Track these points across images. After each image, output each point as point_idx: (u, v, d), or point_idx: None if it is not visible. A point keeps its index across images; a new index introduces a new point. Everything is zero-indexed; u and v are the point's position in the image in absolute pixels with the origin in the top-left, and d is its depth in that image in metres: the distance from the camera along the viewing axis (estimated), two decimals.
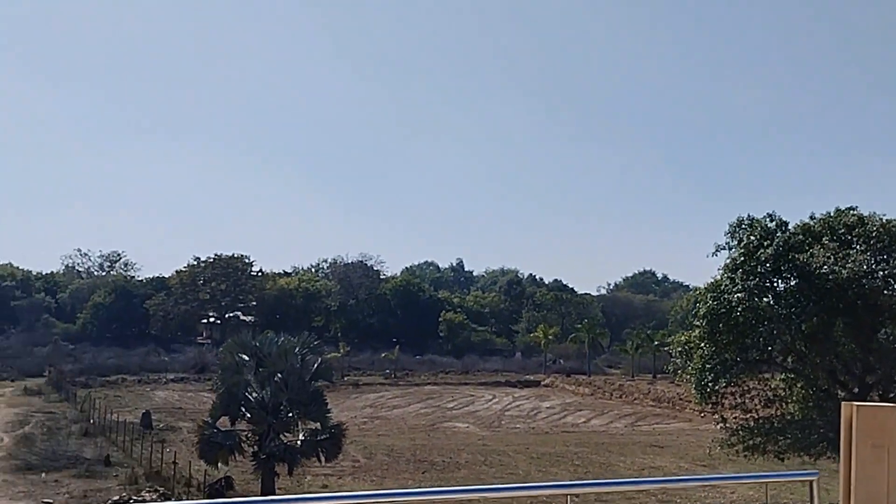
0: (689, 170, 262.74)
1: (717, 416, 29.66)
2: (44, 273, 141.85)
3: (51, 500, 27.19)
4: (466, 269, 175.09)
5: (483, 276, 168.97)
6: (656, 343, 78.20)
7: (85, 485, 29.69)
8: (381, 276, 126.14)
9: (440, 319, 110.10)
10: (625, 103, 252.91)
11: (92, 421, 44.60)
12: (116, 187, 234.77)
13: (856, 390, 28.73)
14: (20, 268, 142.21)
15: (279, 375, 26.91)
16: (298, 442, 27.48)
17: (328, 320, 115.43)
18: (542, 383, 79.26)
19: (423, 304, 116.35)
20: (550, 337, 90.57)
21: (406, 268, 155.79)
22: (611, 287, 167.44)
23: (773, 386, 30.24)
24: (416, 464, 36.83)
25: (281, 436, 27.27)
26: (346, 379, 76.01)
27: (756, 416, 29.51)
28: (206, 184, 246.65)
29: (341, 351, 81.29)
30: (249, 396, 27.10)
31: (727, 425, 29.61)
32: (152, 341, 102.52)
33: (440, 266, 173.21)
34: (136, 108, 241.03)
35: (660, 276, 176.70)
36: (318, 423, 27.76)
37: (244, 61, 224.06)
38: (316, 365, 28.10)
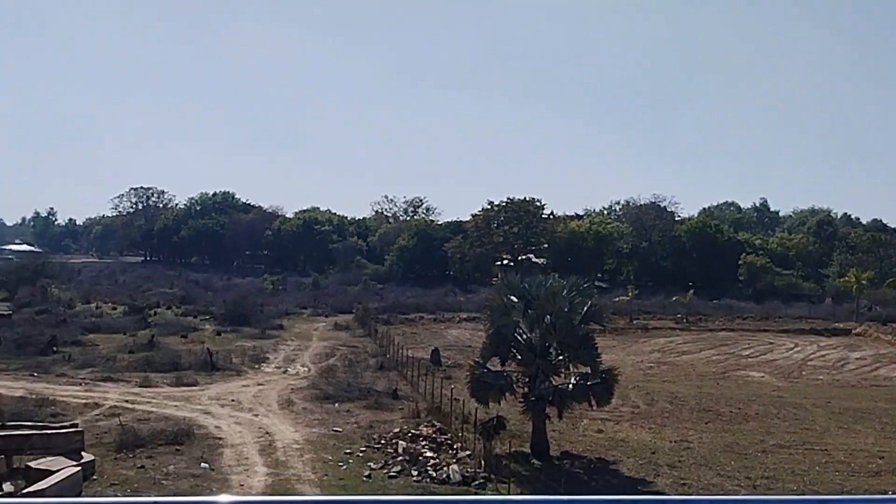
0: None
1: None
2: (357, 218, 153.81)
3: (340, 429, 29.21)
4: (771, 209, 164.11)
5: (790, 216, 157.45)
6: None
7: (372, 416, 31.59)
8: (676, 218, 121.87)
9: (739, 262, 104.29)
10: None
11: (388, 356, 47.45)
12: (418, 137, 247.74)
13: None
14: (337, 214, 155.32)
15: (548, 318, 26.57)
16: (569, 385, 27.08)
17: (620, 263, 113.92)
18: (853, 332, 72.36)
19: (720, 246, 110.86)
20: (864, 282, 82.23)
21: (703, 209, 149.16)
22: None
23: None
24: (700, 413, 35.07)
25: (551, 379, 27.02)
26: (634, 322, 74.61)
27: None
28: (499, 129, 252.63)
29: (630, 294, 79.72)
30: (519, 338, 27.09)
31: None
32: (450, 282, 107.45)
33: (741, 206, 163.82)
34: (431, 63, 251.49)
35: None
36: (589, 368, 27.13)
37: (529, 8, 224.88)
38: (585, 308, 27.40)
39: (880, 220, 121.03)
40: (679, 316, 78.76)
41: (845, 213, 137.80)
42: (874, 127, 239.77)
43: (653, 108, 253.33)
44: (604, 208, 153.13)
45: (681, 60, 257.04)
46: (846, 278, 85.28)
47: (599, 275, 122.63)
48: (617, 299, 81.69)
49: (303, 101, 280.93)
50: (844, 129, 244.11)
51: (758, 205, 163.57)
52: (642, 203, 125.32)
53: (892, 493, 22.73)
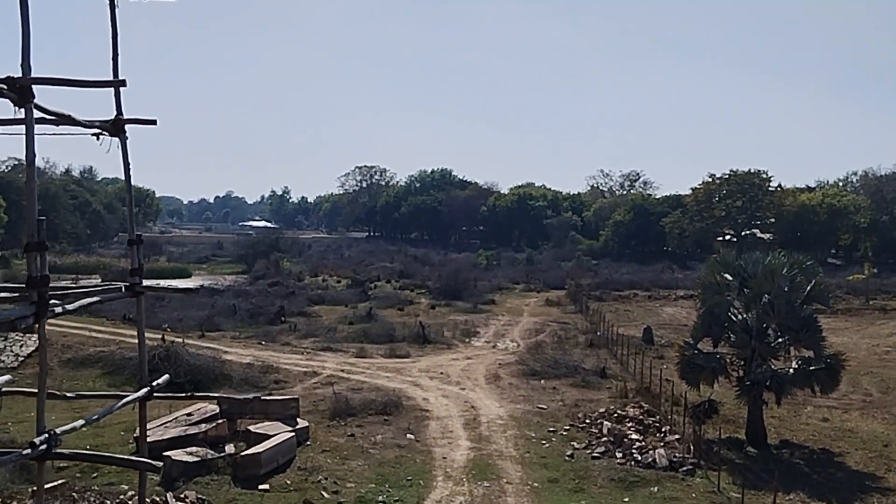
0: None
1: None
2: (571, 193, 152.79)
3: (545, 406, 28.99)
4: None
5: None
6: None
7: (578, 394, 31.12)
8: None
9: None
10: None
11: (598, 333, 46.66)
12: (635, 110, 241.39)
13: None
14: (551, 189, 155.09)
15: (766, 297, 24.86)
16: (789, 370, 25.26)
17: (856, 238, 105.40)
18: None
19: None
20: None
21: None
22: None
23: None
24: None
25: (769, 362, 25.33)
26: (871, 303, 68.81)
27: None
28: (722, 100, 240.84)
29: (867, 272, 73.53)
30: (733, 318, 25.58)
31: None
32: (667, 258, 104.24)
33: None
34: (650, 34, 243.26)
35: None
36: (812, 352, 25.15)
37: None
38: (809, 287, 25.35)
39: None
40: None
41: None
42: None
43: (893, 73, 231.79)
44: (838, 180, 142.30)
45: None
46: None
47: (833, 251, 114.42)
48: (851, 278, 75.77)
49: (520, 76, 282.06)
50: None
51: None
52: (883, 174, 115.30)
53: None
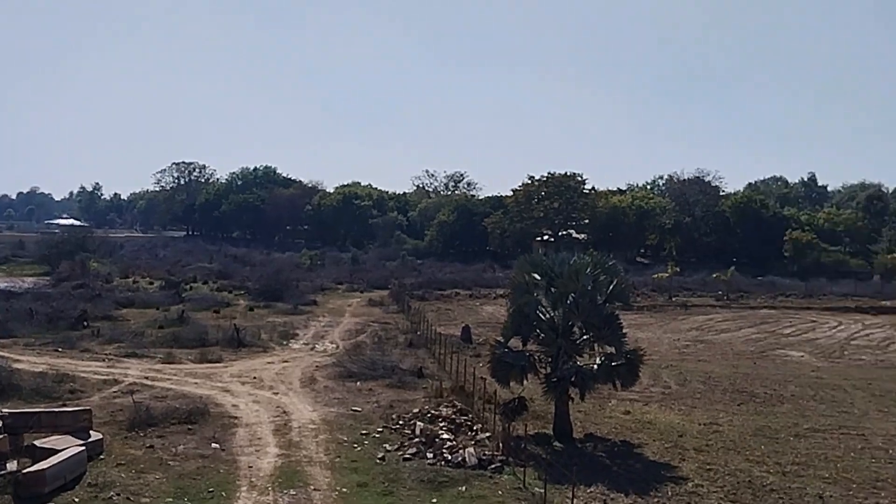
0: None
1: None
2: (397, 193, 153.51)
3: (359, 408, 28.66)
4: (820, 183, 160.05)
5: (839, 191, 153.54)
6: None
7: (394, 395, 31.01)
8: (721, 193, 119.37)
9: (785, 239, 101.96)
10: None
11: (418, 333, 46.89)
12: (460, 112, 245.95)
13: None
14: (377, 188, 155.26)
15: (571, 296, 25.64)
16: (593, 366, 26.21)
17: (662, 239, 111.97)
18: None
19: (766, 221, 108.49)
20: None
21: (749, 183, 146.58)
22: None
23: None
24: (734, 394, 33.95)
25: (574, 359, 26.16)
26: (674, 299, 73.20)
27: None
28: (541, 104, 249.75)
29: (670, 271, 78.14)
30: (541, 316, 26.21)
31: None
32: (489, 258, 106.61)
33: (789, 181, 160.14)
34: (472, 38, 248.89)
35: None
36: (613, 348, 26.20)
37: None
38: (611, 286, 26.39)
39: None
40: (720, 293, 77.17)
41: None
42: None
43: (698, 83, 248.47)
44: (647, 183, 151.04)
45: (726, 36, 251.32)
46: (895, 254, 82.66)
47: (641, 250, 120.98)
48: (656, 276, 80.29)
49: (346, 75, 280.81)
50: (883, 98, 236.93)
51: (806, 179, 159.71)
52: (686, 178, 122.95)
53: None
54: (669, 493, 20.83)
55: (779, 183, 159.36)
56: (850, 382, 37.38)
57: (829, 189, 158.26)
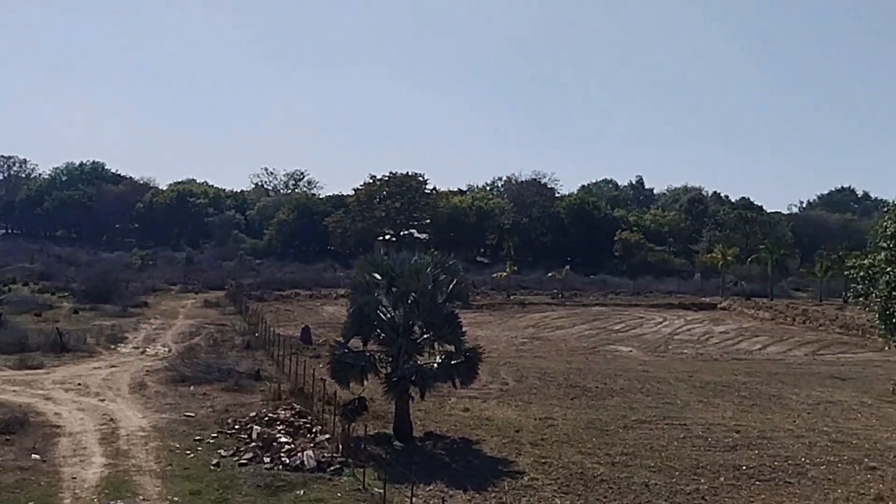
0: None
1: None
2: (234, 191, 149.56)
3: (193, 414, 27.67)
4: (647, 186, 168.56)
5: (664, 193, 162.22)
6: (849, 265, 71.73)
7: (230, 399, 30.12)
8: (556, 194, 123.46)
9: (615, 239, 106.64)
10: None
11: (256, 334, 45.84)
12: (299, 109, 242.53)
13: None
14: (213, 186, 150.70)
15: (412, 296, 25.75)
16: (433, 365, 26.43)
17: (501, 239, 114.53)
18: (719, 306, 75.06)
19: (598, 222, 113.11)
20: (730, 258, 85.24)
21: (582, 186, 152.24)
22: (804, 205, 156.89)
23: None
24: (568, 389, 35.14)
25: (414, 358, 26.29)
26: (512, 298, 75.07)
27: None
28: (382, 103, 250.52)
29: (508, 270, 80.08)
30: (381, 316, 26.17)
31: None
32: (330, 257, 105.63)
33: (619, 184, 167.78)
34: (313, 35, 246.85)
35: (860, 193, 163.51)
36: (453, 346, 26.51)
37: None
38: (451, 286, 26.68)
39: (747, 199, 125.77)
40: (555, 291, 79.77)
41: (715, 192, 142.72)
42: (744, 109, 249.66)
43: (535, 86, 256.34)
44: (486, 184, 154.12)
45: (562, 39, 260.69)
46: (713, 254, 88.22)
47: (482, 250, 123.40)
48: (495, 275, 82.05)
49: (177, 69, 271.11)
50: (717, 110, 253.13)
51: (634, 182, 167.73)
52: (523, 180, 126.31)
53: None
54: (506, 488, 21.27)
55: (610, 185, 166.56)
56: (674, 375, 39.48)
57: (655, 192, 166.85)
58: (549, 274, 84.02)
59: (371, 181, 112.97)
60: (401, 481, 20.41)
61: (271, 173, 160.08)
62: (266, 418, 26.47)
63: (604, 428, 28.14)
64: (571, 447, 25.50)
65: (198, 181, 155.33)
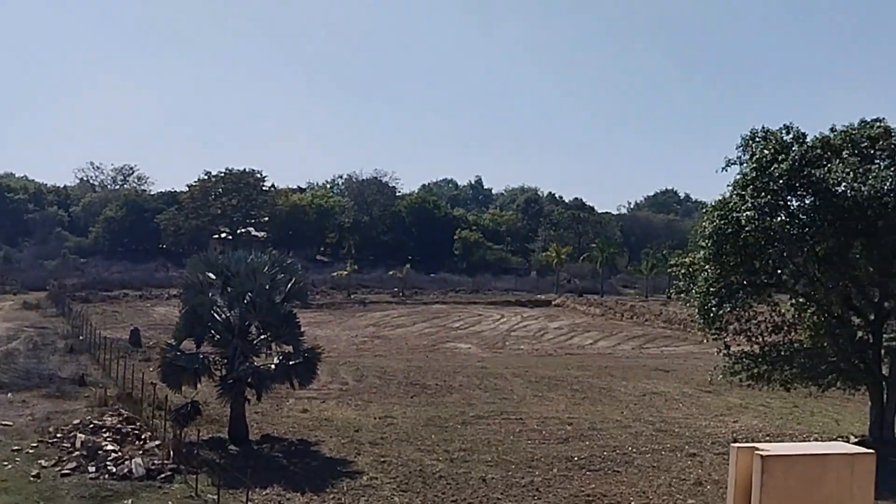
0: (717, 81, 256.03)
1: (720, 343, 27.82)
2: (57, 186, 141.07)
3: (10, 423, 25.87)
4: (486, 186, 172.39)
5: (502, 193, 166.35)
6: (671, 263, 76.05)
7: (52, 406, 28.39)
8: (397, 193, 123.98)
9: (455, 238, 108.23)
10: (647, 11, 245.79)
11: (81, 337, 43.49)
12: (128, 102, 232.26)
13: (872, 317, 26.69)
14: (34, 180, 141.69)
15: (248, 295, 25.11)
16: (271, 366, 25.88)
17: (341, 237, 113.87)
18: (554, 303, 77.64)
19: (438, 221, 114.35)
20: (564, 256, 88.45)
21: (423, 185, 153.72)
22: (631, 206, 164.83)
23: (781, 312, 28.22)
24: (407, 387, 35.34)
25: (251, 359, 25.64)
26: (352, 297, 74.82)
27: (762, 343, 27.66)
28: (218, 98, 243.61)
29: (349, 268, 79.77)
30: (216, 317, 25.37)
31: (731, 352, 27.82)
32: (163, 256, 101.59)
33: (458, 184, 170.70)
34: (145, 23, 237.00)
35: (682, 195, 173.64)
36: (291, 347, 26.06)
37: None
38: (289, 285, 26.21)
39: (580, 199, 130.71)
40: (396, 290, 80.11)
41: (550, 192, 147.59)
42: (578, 111, 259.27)
43: (375, 84, 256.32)
44: (327, 182, 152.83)
45: (400, 36, 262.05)
46: (548, 253, 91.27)
47: (322, 249, 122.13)
48: (336, 274, 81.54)
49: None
50: (551, 113, 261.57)
51: (473, 182, 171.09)
52: (364, 178, 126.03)
53: None
54: (345, 488, 21.08)
55: (450, 185, 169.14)
56: (511, 371, 40.48)
57: (493, 192, 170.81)
58: (390, 272, 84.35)
59: (206, 178, 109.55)
60: (236, 486, 19.87)
61: (98, 168, 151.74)
62: (91, 426, 25.06)
63: (443, 425, 28.43)
64: (410, 445, 25.60)
65: (17, 175, 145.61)
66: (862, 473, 11.09)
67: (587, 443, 26.39)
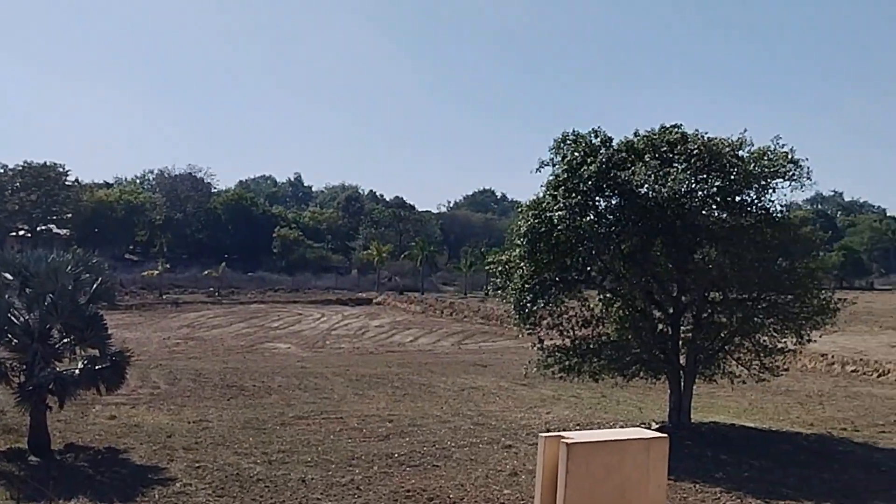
0: (535, 82, 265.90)
1: (535, 338, 28.83)
2: None
3: None
4: (305, 184, 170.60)
5: (322, 191, 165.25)
6: (489, 261, 78.22)
7: None
8: (213, 190, 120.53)
9: (274, 236, 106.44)
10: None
11: None
12: None
13: (671, 310, 28.47)
14: None
15: (49, 297, 23.51)
16: (75, 371, 24.36)
17: (153, 235, 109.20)
18: (375, 301, 78.00)
19: (256, 219, 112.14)
20: (385, 254, 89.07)
21: (241, 181, 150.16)
22: (451, 205, 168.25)
23: (590, 307, 29.61)
24: (224, 389, 34.33)
25: (52, 364, 24.03)
26: (164, 297, 71.95)
27: (573, 337, 28.88)
28: (14, 86, 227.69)
29: (160, 268, 76.67)
30: (14, 320, 23.60)
31: (544, 346, 28.88)
32: None
33: (277, 181, 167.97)
34: None
35: (499, 194, 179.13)
36: (97, 350, 24.64)
37: None
38: (94, 285, 24.77)
39: (401, 198, 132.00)
40: (211, 290, 77.82)
41: (371, 190, 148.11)
42: (397, 110, 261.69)
43: (189, 75, 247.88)
44: (136, 177, 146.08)
45: (213, 31, 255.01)
46: (369, 251, 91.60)
47: (131, 247, 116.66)
48: (146, 273, 78.20)
49: None
50: (370, 111, 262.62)
51: (292, 179, 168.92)
52: (178, 173, 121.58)
53: None
54: (157, 497, 20.19)
55: (268, 182, 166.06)
56: (331, 370, 40.24)
57: (314, 189, 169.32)
58: (206, 272, 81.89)
59: (2, 171, 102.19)
60: (37, 499, 18.60)
61: None
62: None
63: (261, 427, 27.83)
64: (227, 448, 24.87)
65: None
66: (657, 456, 12.03)
67: (407, 439, 26.62)
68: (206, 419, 28.66)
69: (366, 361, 44.14)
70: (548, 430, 23.70)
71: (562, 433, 11.99)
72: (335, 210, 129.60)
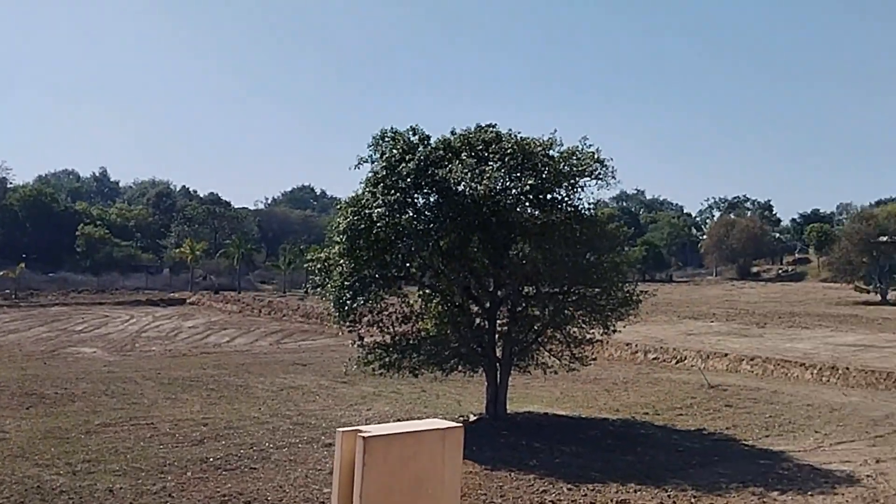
0: (355, 79, 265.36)
1: (355, 335, 28.76)
2: None
3: None
4: (112, 179, 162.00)
5: (131, 187, 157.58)
6: (308, 258, 77.43)
7: None
8: (9, 185, 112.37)
9: (77, 234, 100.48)
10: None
11: None
12: None
13: (487, 305, 29.16)
14: None
15: None
16: None
17: None
18: (188, 301, 75.34)
19: (57, 216, 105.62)
20: (199, 252, 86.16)
21: (40, 176, 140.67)
22: (269, 202, 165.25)
23: (410, 303, 29.89)
24: (22, 398, 32.01)
25: None
26: None
27: (393, 333, 29.03)
28: None
29: None
30: None
31: (364, 343, 28.86)
32: None
33: (81, 175, 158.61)
34: None
35: (318, 191, 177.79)
36: None
37: None
38: None
39: (216, 194, 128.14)
40: (8, 291, 72.51)
41: (184, 186, 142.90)
42: (210, 106, 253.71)
43: None
44: None
45: (29, 13, 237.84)
46: (182, 249, 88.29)
47: None
48: None
49: None
50: (181, 106, 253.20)
51: (97, 174, 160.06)
52: None
53: None
54: None
55: (70, 177, 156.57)
56: (141, 374, 38.42)
57: (121, 185, 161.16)
58: (1, 273, 76.13)
59: None
60: None
61: None
62: None
63: (63, 436, 26.14)
64: (27, 460, 23.19)
65: None
66: (452, 445, 12.52)
67: (223, 442, 25.82)
68: (3, 430, 26.59)
69: (179, 364, 42.46)
70: (363, 427, 23.71)
71: (359, 427, 12.13)
72: (145, 206, 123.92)
